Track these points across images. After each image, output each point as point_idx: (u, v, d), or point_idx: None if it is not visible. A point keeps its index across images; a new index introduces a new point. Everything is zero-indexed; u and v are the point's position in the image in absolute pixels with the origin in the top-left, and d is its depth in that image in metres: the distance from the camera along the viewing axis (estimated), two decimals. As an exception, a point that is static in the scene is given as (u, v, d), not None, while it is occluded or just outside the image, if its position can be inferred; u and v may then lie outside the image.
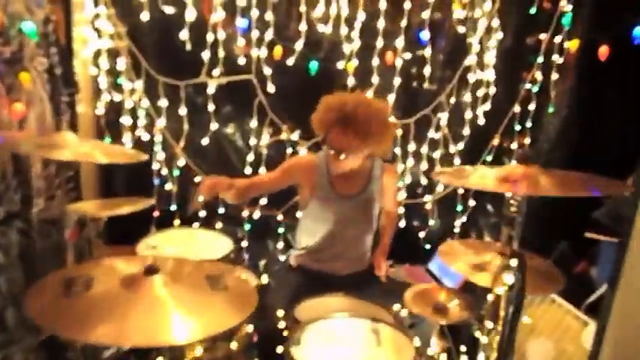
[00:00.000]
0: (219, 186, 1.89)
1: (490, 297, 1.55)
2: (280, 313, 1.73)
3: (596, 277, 2.48)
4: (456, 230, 2.72)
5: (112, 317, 1.08)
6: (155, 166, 2.52)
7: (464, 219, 2.70)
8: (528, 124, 2.54)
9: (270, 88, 2.42)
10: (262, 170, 2.55)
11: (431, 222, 2.69)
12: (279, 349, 1.55)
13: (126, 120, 2.42)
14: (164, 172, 2.53)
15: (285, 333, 1.66)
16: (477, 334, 1.51)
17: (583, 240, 2.37)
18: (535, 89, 2.50)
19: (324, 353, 1.30)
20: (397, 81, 2.46)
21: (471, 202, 2.65)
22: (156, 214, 2.49)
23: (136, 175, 2.53)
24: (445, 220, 2.72)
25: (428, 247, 2.72)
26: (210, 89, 2.42)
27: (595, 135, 2.34)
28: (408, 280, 2.46)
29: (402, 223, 2.67)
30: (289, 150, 2.56)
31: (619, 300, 1.87)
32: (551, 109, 2.52)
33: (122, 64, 2.35)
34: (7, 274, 1.69)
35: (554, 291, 1.61)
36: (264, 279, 2.13)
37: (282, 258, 2.80)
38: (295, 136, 2.56)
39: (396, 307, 1.79)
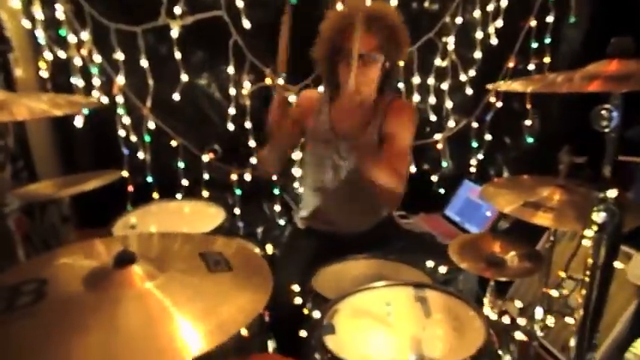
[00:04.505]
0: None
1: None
2: (296, 287, 1.44)
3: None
4: (472, 170, 2.43)
5: (82, 337, 0.75)
6: (122, 133, 2.14)
7: (480, 156, 2.41)
8: (547, 40, 2.21)
9: (246, 24, 2.03)
10: (248, 125, 2.20)
11: (444, 164, 2.40)
12: (303, 333, 1.27)
13: (77, 80, 2.02)
14: (133, 138, 2.16)
15: (305, 310, 1.37)
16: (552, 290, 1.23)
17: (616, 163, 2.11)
18: (553, -3, 2.16)
19: (365, 338, 1.01)
20: (394, 2, 2.08)
21: (487, 137, 2.35)
22: (130, 188, 2.14)
23: (101, 146, 2.16)
24: (459, 160, 2.42)
25: (442, 191, 2.44)
26: (174, 33, 2.01)
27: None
28: (430, 230, 2.20)
29: (412, 168, 2.37)
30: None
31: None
32: (572, 20, 2.18)
33: (61, 11, 1.92)
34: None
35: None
36: (269, 248, 1.83)
37: (281, 222, 2.51)
38: (281, 81, 2.19)
39: (430, 264, 1.52)
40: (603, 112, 0.84)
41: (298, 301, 1.47)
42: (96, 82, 2.05)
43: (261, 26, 2.06)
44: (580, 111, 2.16)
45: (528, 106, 2.29)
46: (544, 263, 1.20)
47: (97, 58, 2.02)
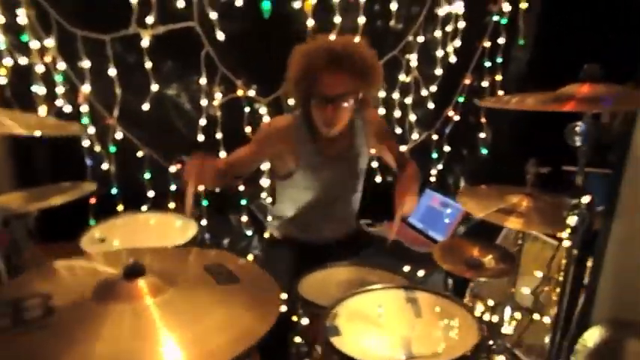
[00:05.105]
0: (208, 171, 1.50)
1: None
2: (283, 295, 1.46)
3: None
4: (433, 179, 2.57)
5: (92, 350, 0.75)
6: (85, 143, 2.07)
7: (440, 167, 2.55)
8: (499, 60, 2.40)
9: (219, 36, 2.04)
10: (219, 136, 2.20)
11: (406, 174, 2.52)
12: (297, 339, 1.30)
13: (39, 88, 1.93)
14: (97, 149, 2.09)
15: (294, 317, 1.40)
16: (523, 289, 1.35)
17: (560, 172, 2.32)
18: (504, 21, 2.36)
19: (363, 340, 1.07)
20: (362, 20, 2.19)
21: (446, 149, 2.51)
22: (92, 200, 2.07)
23: (63, 157, 2.07)
24: (420, 170, 2.54)
25: (405, 200, 2.55)
26: (145, 42, 1.99)
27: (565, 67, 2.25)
28: (396, 237, 2.29)
29: (378, 179, 2.47)
30: (247, 109, 2.22)
31: (615, 232, 1.82)
32: (521, 42, 2.39)
33: (24, 16, 1.84)
34: None
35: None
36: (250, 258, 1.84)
37: (248, 233, 2.51)
38: (252, 92, 2.22)
39: (406, 268, 1.60)
40: (577, 128, 0.96)
41: (283, 308, 1.50)
42: (59, 90, 1.97)
43: (234, 38, 2.09)
44: (533, 128, 2.35)
45: (482, 121, 2.47)
46: (516, 264, 1.32)
47: (62, 65, 1.94)
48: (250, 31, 2.12)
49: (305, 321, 1.37)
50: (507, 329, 1.32)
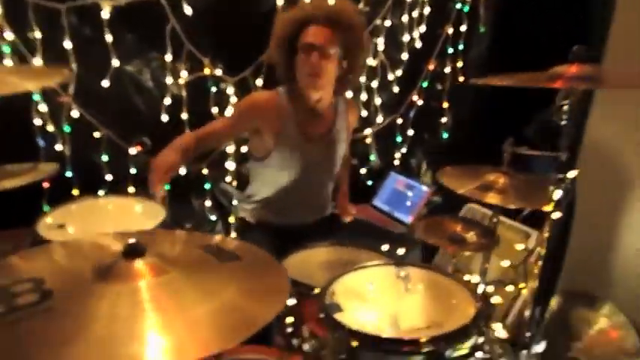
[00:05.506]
0: (172, 169, 1.55)
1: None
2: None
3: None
4: (396, 163, 2.63)
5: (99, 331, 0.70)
6: (37, 122, 1.91)
7: (404, 150, 2.61)
8: (460, 47, 2.48)
9: (187, 10, 1.94)
10: (185, 116, 2.11)
11: (372, 157, 2.56)
12: (289, 319, 1.29)
13: (-18, 60, 1.75)
14: (50, 128, 1.94)
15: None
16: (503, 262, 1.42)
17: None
18: (466, 9, 2.43)
19: (365, 314, 1.08)
20: (331, 1, 2.16)
21: (410, 132, 2.57)
22: (46, 184, 1.92)
23: (12, 136, 1.89)
24: (384, 154, 2.60)
25: (370, 183, 2.60)
26: (105, 13, 1.85)
27: (524, 54, 2.37)
28: (370, 220, 2.33)
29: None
30: (213, 89, 2.15)
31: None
32: (482, 29, 2.49)
33: (-35, -22, 1.65)
34: None
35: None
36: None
37: (212, 217, 2.44)
38: (219, 71, 2.15)
39: (385, 247, 1.64)
40: (564, 107, 1.02)
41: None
42: (7, 62, 1.79)
43: (201, 13, 2.00)
44: (491, 114, 2.45)
45: (445, 105, 2.56)
46: (496, 239, 1.38)
47: (9, 35, 1.77)
48: (217, 8, 2.04)
49: (292, 301, 1.36)
50: (496, 299, 1.39)
